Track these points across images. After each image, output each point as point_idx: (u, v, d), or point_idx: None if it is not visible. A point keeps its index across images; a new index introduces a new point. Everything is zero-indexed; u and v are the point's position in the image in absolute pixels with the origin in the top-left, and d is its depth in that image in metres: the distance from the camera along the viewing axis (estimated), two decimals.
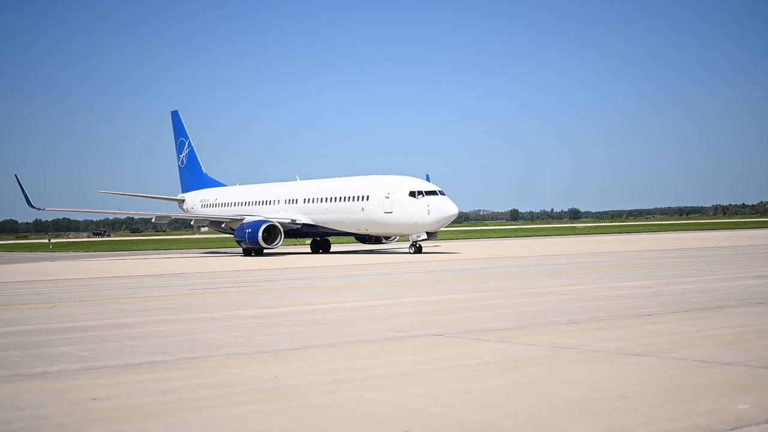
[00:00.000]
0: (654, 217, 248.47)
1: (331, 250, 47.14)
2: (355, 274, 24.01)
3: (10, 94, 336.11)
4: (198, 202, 54.91)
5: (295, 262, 34.00)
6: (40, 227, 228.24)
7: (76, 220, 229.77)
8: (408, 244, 40.42)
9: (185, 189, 58.47)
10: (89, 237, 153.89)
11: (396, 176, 41.51)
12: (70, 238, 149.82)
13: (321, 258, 38.08)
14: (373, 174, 43.88)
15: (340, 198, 43.18)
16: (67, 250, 64.03)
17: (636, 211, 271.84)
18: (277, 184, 50.65)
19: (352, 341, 9.41)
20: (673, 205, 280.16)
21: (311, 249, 47.94)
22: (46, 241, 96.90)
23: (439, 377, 7.05)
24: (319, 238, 47.40)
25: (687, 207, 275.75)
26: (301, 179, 49.92)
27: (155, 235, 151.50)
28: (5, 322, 12.72)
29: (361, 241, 48.33)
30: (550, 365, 7.44)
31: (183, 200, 56.98)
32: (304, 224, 45.02)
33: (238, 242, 43.78)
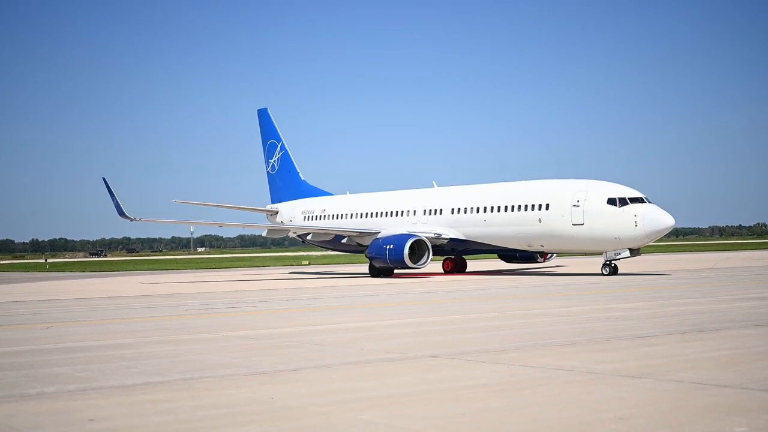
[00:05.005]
0: None
1: (466, 270, 40.27)
2: None
3: (75, 100, 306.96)
4: (299, 213, 47.18)
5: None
6: (36, 247, 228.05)
7: (73, 240, 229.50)
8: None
9: (277, 199, 50.78)
10: (85, 257, 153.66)
11: (584, 180, 33.86)
12: (66, 258, 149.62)
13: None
14: (546, 179, 36.19)
15: (508, 207, 35.43)
16: (64, 270, 63.88)
17: None
18: (409, 192, 42.78)
19: (348, 362, 9.40)
20: None
21: (444, 269, 40.67)
22: (43, 261, 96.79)
23: (436, 399, 7.04)
24: (454, 256, 40.23)
25: (684, 228, 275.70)
26: (438, 186, 42.18)
27: (152, 255, 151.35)
28: (2, 342, 12.68)
29: (505, 260, 40.61)
30: (547, 387, 7.43)
31: (276, 212, 49.29)
32: (451, 239, 37.70)
33: (371, 259, 37.56)
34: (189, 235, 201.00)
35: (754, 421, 5.84)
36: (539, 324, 13.36)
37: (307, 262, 65.73)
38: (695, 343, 10.26)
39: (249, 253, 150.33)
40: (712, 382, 7.39)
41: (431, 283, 30.34)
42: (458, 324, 13.96)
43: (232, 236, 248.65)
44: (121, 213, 39.45)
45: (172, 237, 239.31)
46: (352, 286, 29.68)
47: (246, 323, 15.12)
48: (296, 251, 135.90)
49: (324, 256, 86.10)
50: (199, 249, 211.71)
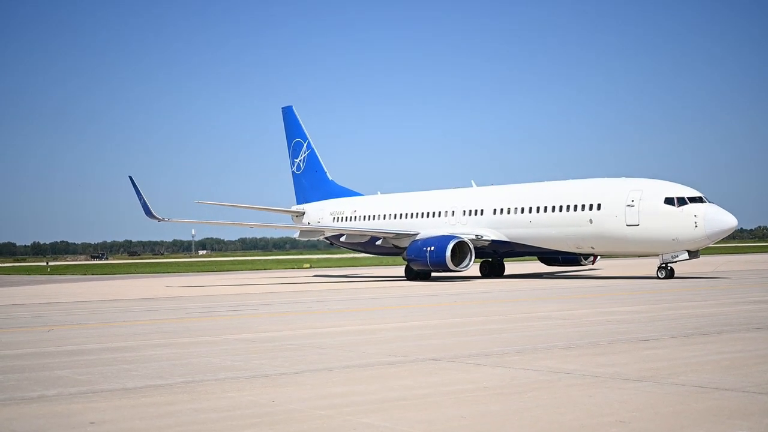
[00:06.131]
0: None
1: (504, 274, 38.66)
2: None
3: (81, 101, 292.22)
4: (327, 214, 45.25)
5: None
6: (37, 250, 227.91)
7: (74, 243, 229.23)
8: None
9: (303, 199, 48.81)
10: (87, 260, 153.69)
11: (638, 179, 32.17)
12: (68, 261, 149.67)
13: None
14: (594, 177, 34.45)
15: (556, 207, 33.62)
16: (65, 273, 63.92)
17: None
18: (447, 192, 40.99)
19: (350, 365, 9.40)
20: None
21: (481, 272, 39.01)
22: (44, 263, 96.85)
23: (436, 402, 7.04)
24: (491, 259, 38.72)
25: None
26: (477, 185, 40.42)
27: (153, 258, 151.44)
28: (3, 345, 12.70)
29: (545, 262, 38.67)
30: (548, 390, 7.43)
31: (302, 213, 47.27)
32: (493, 241, 35.85)
33: (410, 262, 36.19)
34: (190, 238, 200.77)
35: (755, 425, 5.84)
36: (540, 327, 13.36)
37: (308, 265, 65.83)
38: (696, 347, 10.26)
39: (250, 256, 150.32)
40: (713, 386, 7.39)
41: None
42: (460, 327, 13.97)
43: (233, 239, 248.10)
44: (149, 213, 37.98)
45: (174, 240, 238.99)
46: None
47: (247, 326, 15.11)
48: (297, 254, 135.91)
49: (326, 260, 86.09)
50: (201, 252, 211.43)
